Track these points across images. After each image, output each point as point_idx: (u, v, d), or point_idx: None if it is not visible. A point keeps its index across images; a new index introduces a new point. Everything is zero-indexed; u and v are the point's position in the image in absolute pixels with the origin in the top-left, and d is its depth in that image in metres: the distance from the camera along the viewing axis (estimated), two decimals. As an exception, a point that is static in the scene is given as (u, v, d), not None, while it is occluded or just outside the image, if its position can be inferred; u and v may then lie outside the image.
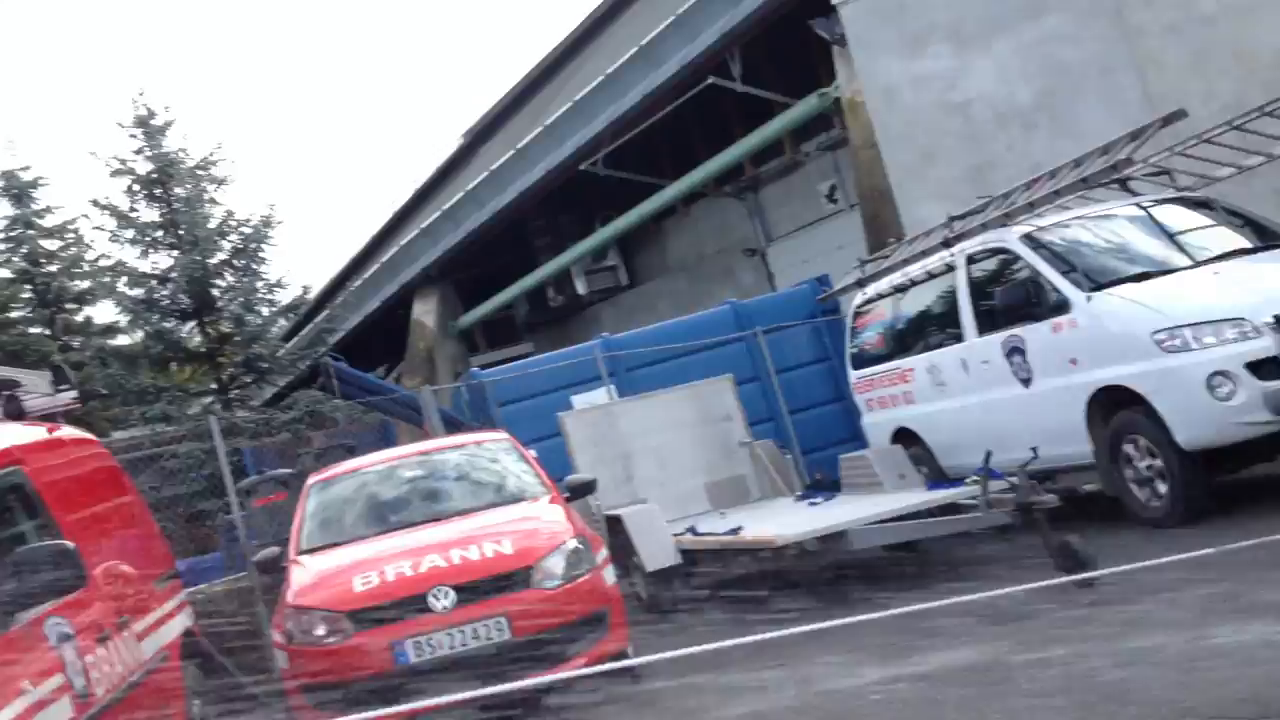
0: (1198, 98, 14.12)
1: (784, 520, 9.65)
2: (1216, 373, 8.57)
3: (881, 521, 8.88)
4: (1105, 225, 10.63)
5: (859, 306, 13.04)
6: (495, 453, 9.54)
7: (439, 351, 28.90)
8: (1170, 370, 8.81)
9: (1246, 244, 10.18)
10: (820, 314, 15.19)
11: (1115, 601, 6.95)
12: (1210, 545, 7.80)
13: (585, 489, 9.27)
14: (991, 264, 10.87)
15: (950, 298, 11.25)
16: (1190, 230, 10.45)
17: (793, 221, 21.99)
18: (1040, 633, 6.59)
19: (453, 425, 14.75)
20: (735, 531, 9.47)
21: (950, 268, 11.30)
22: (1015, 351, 10.23)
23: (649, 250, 26.39)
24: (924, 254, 11.92)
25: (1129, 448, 9.24)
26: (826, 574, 9.81)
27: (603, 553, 8.00)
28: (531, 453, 9.75)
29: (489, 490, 9.03)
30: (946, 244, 11.43)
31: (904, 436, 11.79)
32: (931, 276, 11.67)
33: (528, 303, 28.32)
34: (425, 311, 29.64)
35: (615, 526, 10.14)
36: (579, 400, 14.12)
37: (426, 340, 29.23)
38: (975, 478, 8.81)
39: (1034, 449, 8.52)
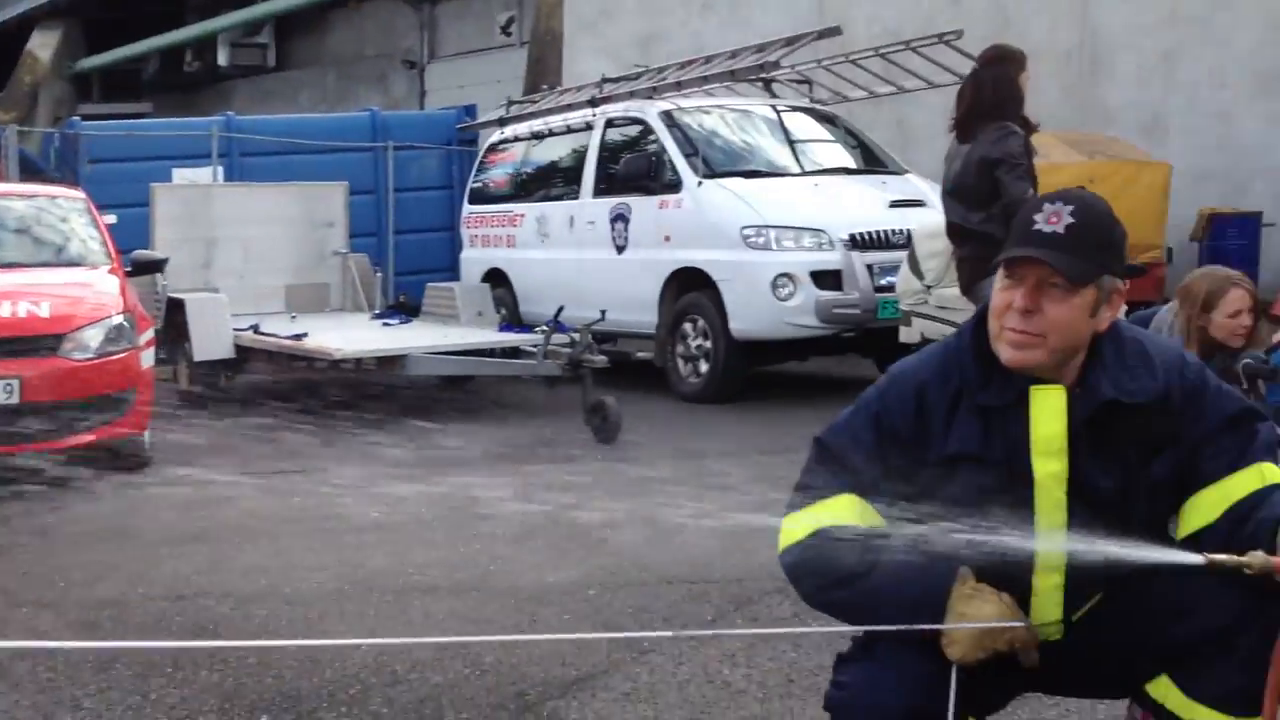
0: (863, 21, 15.31)
1: (351, 335, 9.97)
2: (783, 274, 9.56)
3: (442, 353, 9.42)
4: (737, 119, 11.47)
5: (493, 144, 13.43)
6: (66, 211, 9.27)
7: (46, 91, 27.09)
8: (745, 264, 9.75)
9: (852, 164, 11.31)
10: (457, 143, 15.46)
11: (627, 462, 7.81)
12: (728, 423, 8.89)
13: (152, 266, 9.25)
14: (626, 132, 11.50)
15: (579, 156, 11.81)
16: (809, 141, 11.49)
17: (461, 44, 22.01)
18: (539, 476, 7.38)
19: (33, 173, 14.10)
20: (298, 337, 9.72)
21: (588, 126, 11.84)
22: (620, 219, 10.97)
23: (307, 37, 25.62)
24: (569, 108, 12.45)
25: (688, 326, 10.19)
26: (375, 391, 10.37)
27: (148, 334, 8.06)
28: (109, 219, 9.56)
29: (47, 249, 8.82)
30: (593, 103, 11.97)
31: (495, 277, 12.39)
32: (569, 131, 12.18)
33: (160, 61, 26.90)
34: (43, 45, 27.65)
35: (177, 310, 10.18)
36: (180, 175, 13.81)
37: (35, 75, 27.33)
38: (544, 328, 9.48)
39: (603, 311, 9.25)
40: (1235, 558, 2.28)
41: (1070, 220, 2.46)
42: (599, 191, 11.36)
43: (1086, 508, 2.48)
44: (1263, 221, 16.67)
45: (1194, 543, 2.47)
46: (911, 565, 2.45)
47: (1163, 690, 2.53)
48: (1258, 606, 2.35)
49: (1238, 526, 2.42)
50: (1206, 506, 2.50)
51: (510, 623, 4.57)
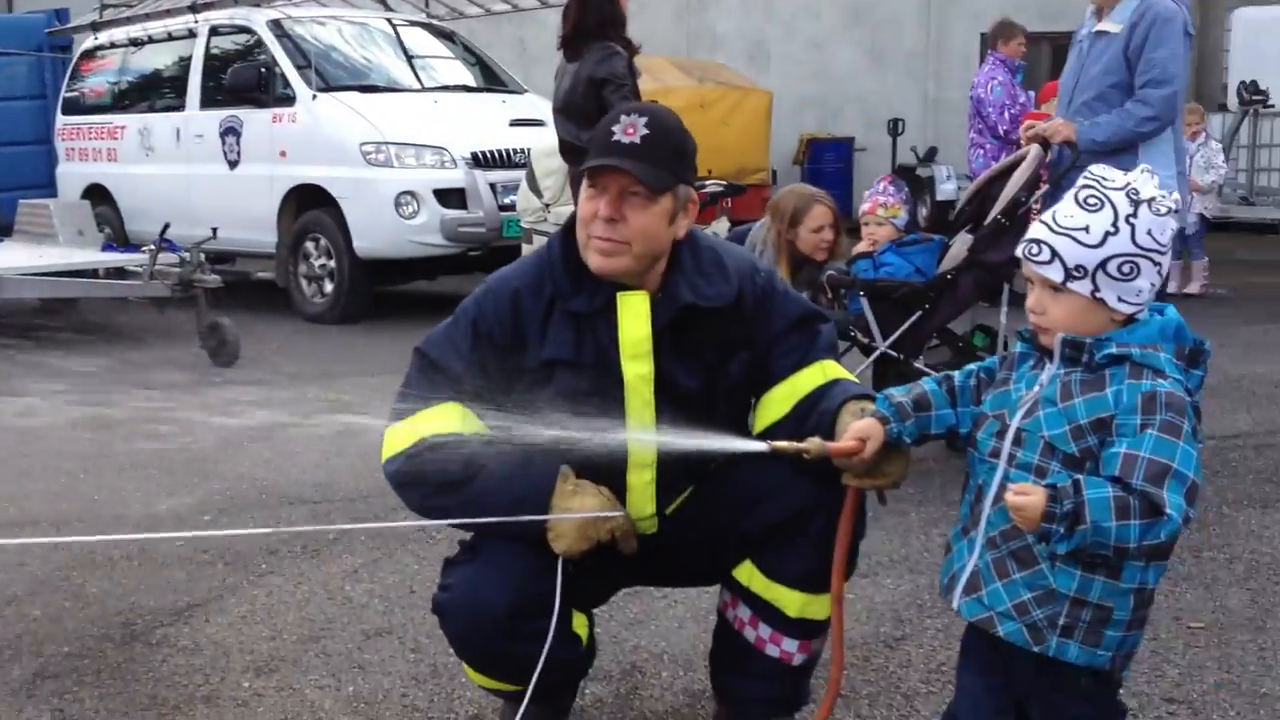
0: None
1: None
2: (405, 192, 9.49)
3: (38, 274, 8.81)
4: (353, 32, 11.19)
5: (88, 50, 12.52)
6: None
7: None
8: (366, 181, 9.60)
9: (471, 82, 11.30)
10: (49, 49, 14.31)
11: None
12: (356, 343, 8.81)
13: None
14: (235, 41, 10.99)
15: (184, 65, 11.20)
16: (427, 57, 11.37)
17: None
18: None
19: None
20: None
21: (191, 34, 11.24)
22: (231, 132, 10.53)
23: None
24: (168, 13, 11.76)
25: (310, 245, 9.97)
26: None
27: None
28: None
29: None
30: (193, 9, 11.35)
31: (97, 194, 11.65)
32: (171, 38, 11.52)
33: None
34: None
35: None
36: None
37: None
38: (150, 247, 9.00)
39: (214, 229, 8.88)
40: (795, 444, 2.46)
41: (645, 131, 2.59)
42: (207, 103, 10.87)
43: (673, 407, 2.66)
44: (855, 146, 17.98)
45: (770, 435, 2.67)
46: (513, 468, 2.56)
47: (747, 574, 2.76)
48: (827, 491, 2.57)
49: (805, 418, 2.65)
50: (778, 402, 2.72)
51: (119, 554, 4.39)
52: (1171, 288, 10.10)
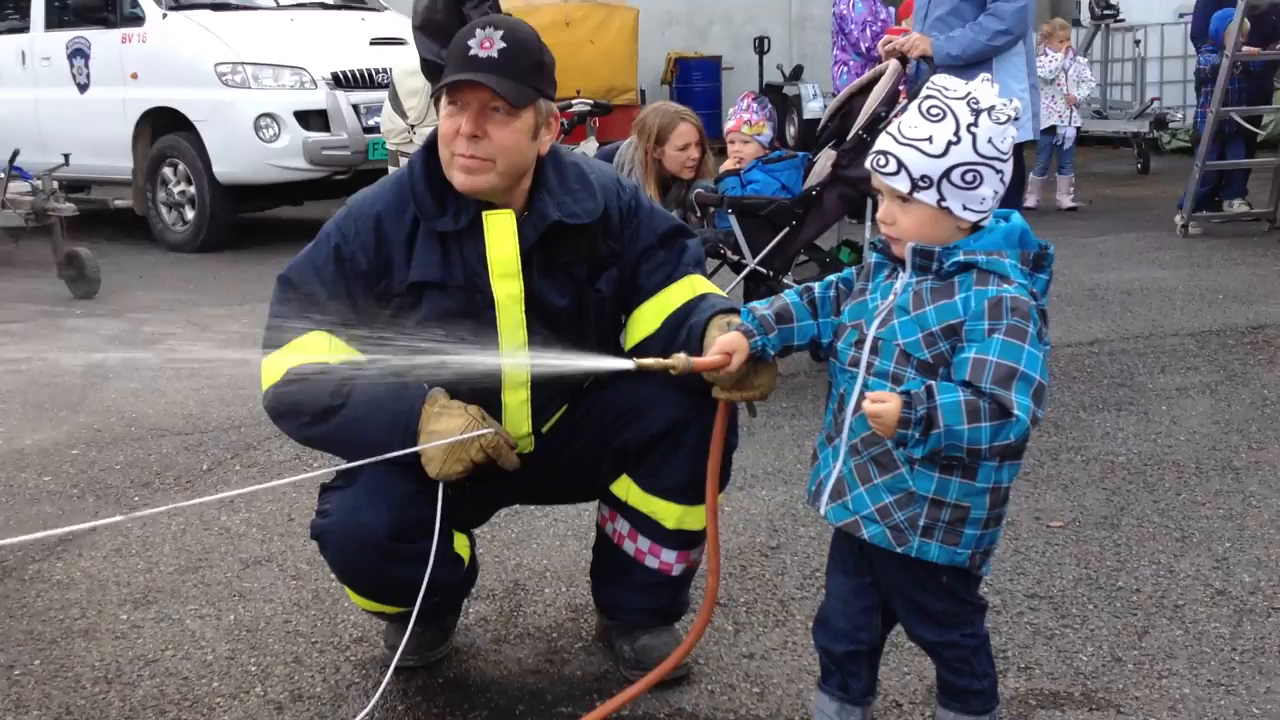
0: None
1: None
2: (265, 114, 9.28)
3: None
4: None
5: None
6: None
7: None
8: (224, 103, 9.36)
9: (329, 0, 11.03)
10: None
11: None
12: (220, 272, 8.64)
13: None
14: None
15: (25, -15, 10.76)
16: (285, -28, 11.06)
17: None
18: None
19: None
20: None
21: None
22: (79, 54, 10.15)
23: None
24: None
25: (168, 170, 9.71)
26: None
27: None
28: None
29: None
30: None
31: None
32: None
33: None
34: None
35: None
36: None
37: None
38: (1, 175, 8.66)
39: (66, 155, 8.61)
40: (662, 361, 2.47)
41: (502, 45, 2.56)
42: (52, 24, 10.47)
43: (544, 326, 2.69)
44: (723, 65, 18.00)
45: (639, 351, 2.72)
46: (382, 393, 2.55)
47: (624, 488, 2.83)
48: (700, 405, 2.63)
49: (674, 333, 2.69)
50: (648, 318, 2.77)
51: (-17, 491, 4.31)
52: (1031, 201, 10.39)
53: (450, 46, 2.62)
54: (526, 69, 2.60)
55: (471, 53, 2.56)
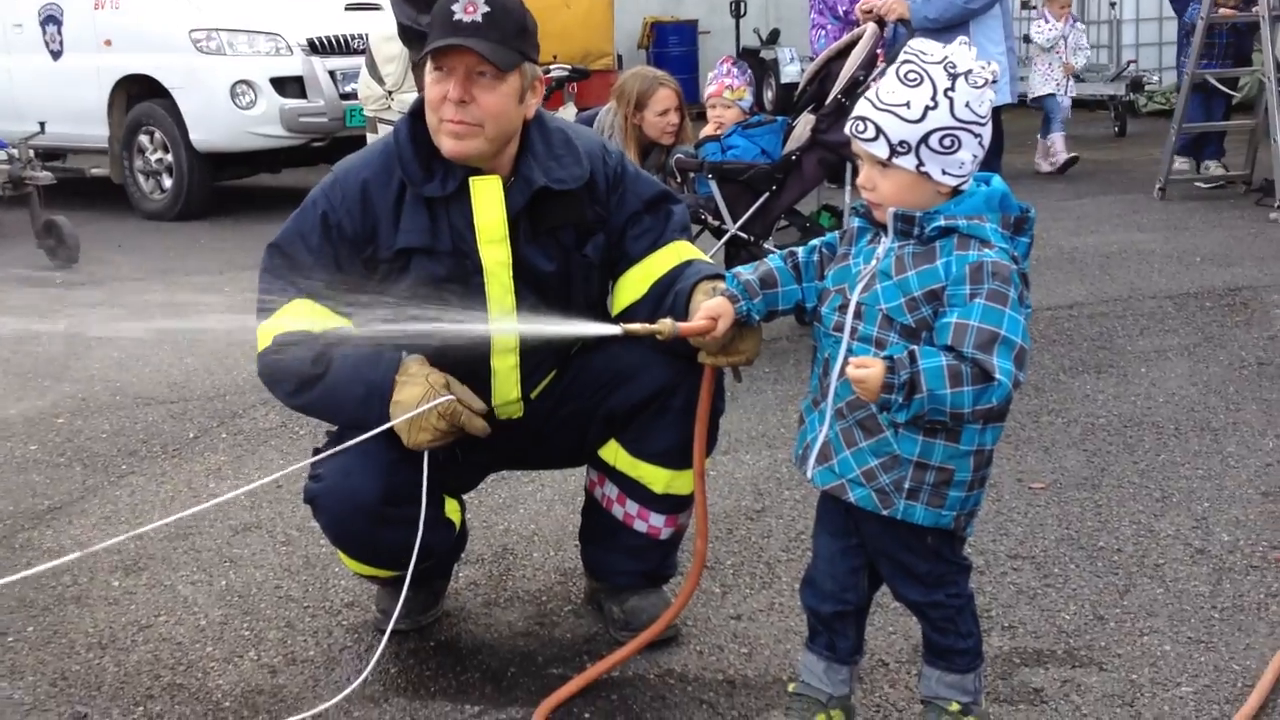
0: None
1: None
2: (241, 81, 9.23)
3: None
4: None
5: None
6: None
7: None
8: (199, 70, 9.31)
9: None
10: None
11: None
12: (199, 239, 8.62)
13: None
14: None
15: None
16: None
17: None
18: None
19: None
20: None
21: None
22: (52, 21, 10.05)
23: None
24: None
25: (144, 138, 9.65)
26: None
27: None
28: None
29: None
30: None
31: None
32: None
33: None
34: None
35: None
36: None
37: None
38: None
39: (41, 124, 8.54)
40: (648, 326, 2.49)
41: (486, 9, 2.56)
42: (21, -9, 10.36)
43: (532, 291, 2.71)
44: (699, 29, 17.93)
45: (626, 317, 2.75)
46: (360, 360, 2.56)
47: (612, 453, 2.86)
48: (687, 370, 2.67)
49: (661, 299, 2.72)
50: (634, 283, 2.79)
51: (-31, 460, 4.32)
52: (1045, 167, 10.50)
53: (434, 11, 2.61)
54: (511, 32, 2.60)
55: (456, 17, 2.56)
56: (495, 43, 2.56)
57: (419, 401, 2.50)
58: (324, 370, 2.57)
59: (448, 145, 2.61)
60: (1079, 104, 14.10)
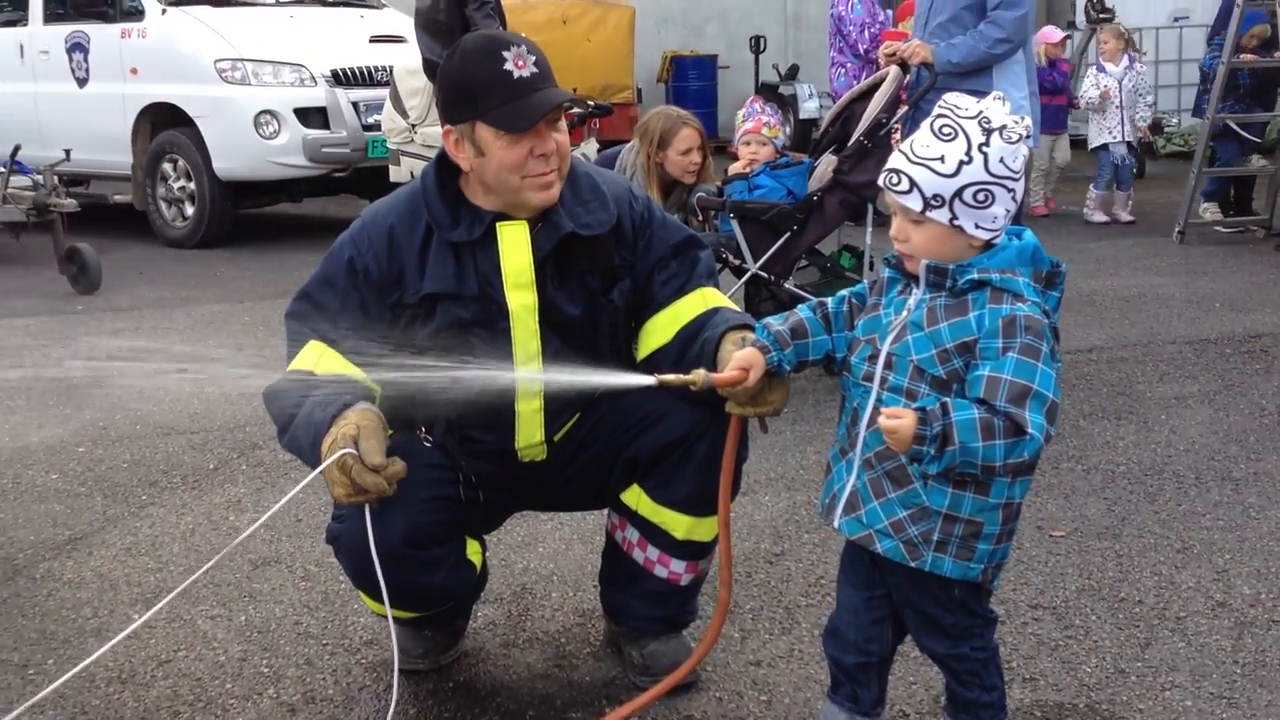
0: None
1: None
2: (265, 111, 9.29)
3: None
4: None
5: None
6: None
7: None
8: (224, 100, 9.36)
9: (329, -3, 11.04)
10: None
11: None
12: (220, 268, 8.64)
13: None
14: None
15: (22, -24, 10.76)
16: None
17: None
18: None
19: None
20: None
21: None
22: (78, 49, 10.15)
23: None
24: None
25: (168, 166, 9.71)
26: None
27: None
28: None
29: None
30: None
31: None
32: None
33: None
34: None
35: None
36: None
37: None
38: (2, 169, 8.68)
39: (67, 150, 8.61)
40: (682, 377, 2.49)
41: (534, 58, 2.61)
42: (51, 18, 10.47)
43: (557, 336, 2.72)
44: (719, 64, 18.01)
45: (651, 362, 2.76)
46: (317, 402, 2.50)
47: (635, 497, 2.85)
48: (711, 416, 2.66)
49: (687, 345, 2.72)
50: (660, 329, 2.79)
51: (-11, 489, 4.33)
52: (1099, 218, 9.96)
53: (482, 76, 2.58)
54: (553, 76, 2.65)
55: (516, 75, 2.57)
56: (556, 85, 2.62)
57: (325, 456, 2.41)
58: (294, 414, 2.55)
59: (540, 198, 2.64)
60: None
